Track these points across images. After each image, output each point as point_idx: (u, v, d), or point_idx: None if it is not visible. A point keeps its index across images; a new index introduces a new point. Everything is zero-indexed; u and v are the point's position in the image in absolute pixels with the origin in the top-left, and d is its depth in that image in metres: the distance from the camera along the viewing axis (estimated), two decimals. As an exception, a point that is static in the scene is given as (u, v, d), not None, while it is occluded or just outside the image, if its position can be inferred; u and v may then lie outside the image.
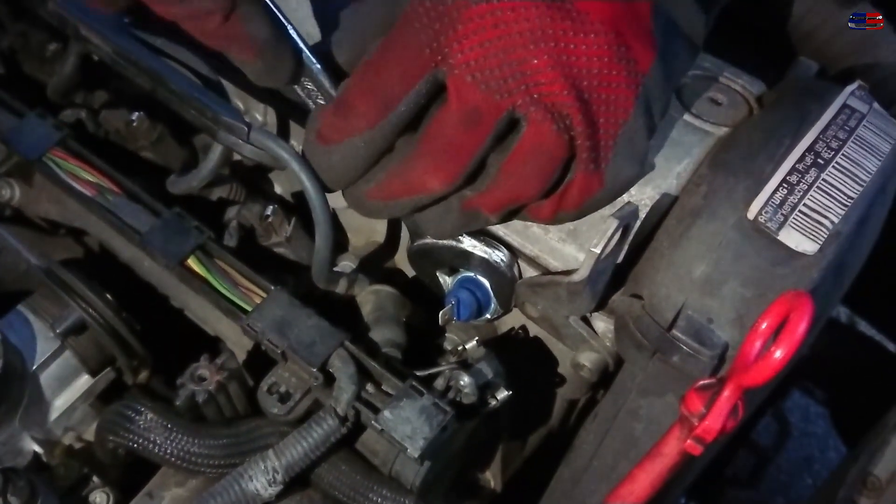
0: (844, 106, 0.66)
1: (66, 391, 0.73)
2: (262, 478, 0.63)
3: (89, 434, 0.73)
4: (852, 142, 0.64)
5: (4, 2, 0.93)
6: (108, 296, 0.72)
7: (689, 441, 0.55)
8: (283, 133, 0.81)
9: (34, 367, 0.71)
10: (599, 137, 0.58)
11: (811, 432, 1.85)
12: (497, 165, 0.59)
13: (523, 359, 0.76)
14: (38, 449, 0.72)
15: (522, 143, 0.57)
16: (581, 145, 0.57)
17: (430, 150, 0.59)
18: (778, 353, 0.49)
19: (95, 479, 0.70)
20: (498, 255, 0.68)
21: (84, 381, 0.74)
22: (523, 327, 0.78)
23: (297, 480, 0.65)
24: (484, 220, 0.63)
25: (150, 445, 0.65)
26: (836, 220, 0.60)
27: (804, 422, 1.86)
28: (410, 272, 0.84)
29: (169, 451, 0.65)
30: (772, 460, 1.61)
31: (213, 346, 0.77)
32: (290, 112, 0.78)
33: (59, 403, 0.73)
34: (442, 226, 0.64)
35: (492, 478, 0.83)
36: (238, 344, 0.75)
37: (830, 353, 1.43)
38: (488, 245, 0.68)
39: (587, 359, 0.70)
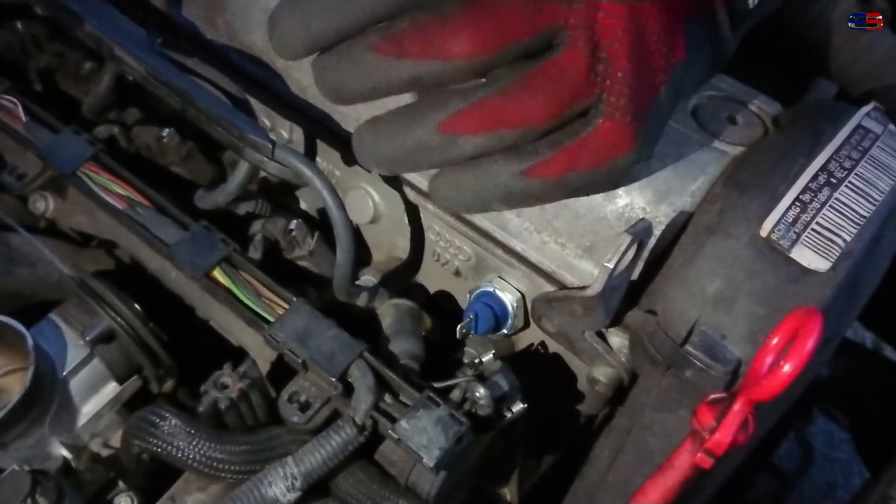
0: (859, 126, 0.66)
1: (94, 398, 0.75)
2: (280, 484, 0.64)
3: (115, 440, 0.75)
4: (865, 162, 0.64)
5: (42, 23, 0.97)
6: (137, 306, 0.74)
7: (700, 454, 0.55)
8: (310, 150, 0.83)
9: (64, 374, 0.72)
10: (640, 92, 0.55)
11: (835, 458, 1.82)
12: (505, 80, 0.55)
13: (540, 373, 0.77)
14: (66, 454, 0.73)
15: (550, 62, 0.54)
16: (617, 89, 0.54)
17: (470, 13, 0.53)
18: (787, 368, 0.50)
19: (121, 483, 0.71)
20: None
21: (111, 388, 0.75)
22: (542, 343, 0.79)
23: (316, 488, 0.66)
24: (460, 146, 0.55)
25: (174, 450, 0.67)
26: (848, 238, 0.60)
27: (828, 447, 1.83)
28: (431, 287, 0.86)
29: (191, 455, 0.66)
30: (795, 486, 1.59)
31: (236, 356, 0.78)
32: (315, 129, 0.80)
33: (87, 410, 0.74)
34: (404, 142, 0.56)
35: (508, 493, 0.84)
36: (260, 354, 0.76)
37: (855, 379, 1.41)
38: None
39: (602, 373, 0.71)
